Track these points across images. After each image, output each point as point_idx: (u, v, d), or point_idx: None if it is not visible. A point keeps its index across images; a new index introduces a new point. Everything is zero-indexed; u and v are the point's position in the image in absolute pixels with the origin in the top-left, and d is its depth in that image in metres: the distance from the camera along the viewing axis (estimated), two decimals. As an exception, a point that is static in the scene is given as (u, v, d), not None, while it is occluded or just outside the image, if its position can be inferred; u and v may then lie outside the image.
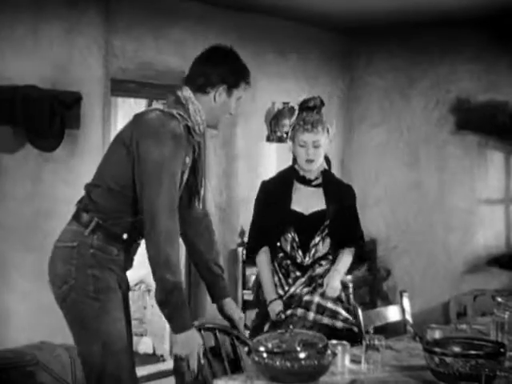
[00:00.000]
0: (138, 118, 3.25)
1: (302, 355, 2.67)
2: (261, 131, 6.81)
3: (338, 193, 4.26)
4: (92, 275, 3.17)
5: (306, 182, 4.24)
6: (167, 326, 3.44)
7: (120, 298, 3.26)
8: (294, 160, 4.30)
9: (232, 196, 6.56)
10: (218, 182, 6.42)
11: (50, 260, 3.30)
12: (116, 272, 3.25)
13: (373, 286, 7.40)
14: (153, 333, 6.85)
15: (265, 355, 2.68)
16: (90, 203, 3.23)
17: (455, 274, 7.08)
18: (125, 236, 3.24)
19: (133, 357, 3.35)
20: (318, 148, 4.15)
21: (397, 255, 7.44)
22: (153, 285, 3.18)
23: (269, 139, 6.85)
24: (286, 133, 6.76)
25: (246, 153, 6.68)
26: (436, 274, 7.18)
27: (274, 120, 6.79)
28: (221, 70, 3.22)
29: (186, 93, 3.24)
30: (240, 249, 6.49)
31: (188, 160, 3.23)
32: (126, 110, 7.13)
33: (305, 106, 4.23)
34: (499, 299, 3.11)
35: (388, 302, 7.31)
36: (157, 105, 3.33)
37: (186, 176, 3.26)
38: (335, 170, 7.59)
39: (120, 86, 5.62)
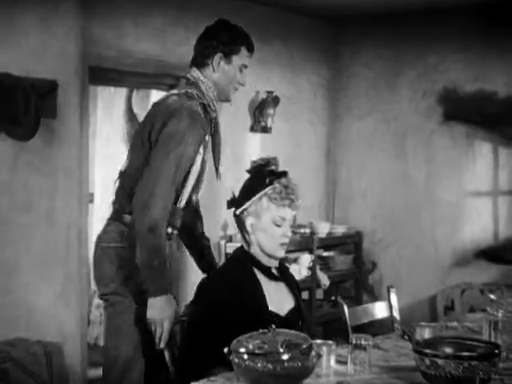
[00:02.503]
0: (156, 105, 3.35)
1: (284, 356, 2.52)
2: (244, 121, 6.69)
3: (296, 284, 3.36)
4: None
5: (266, 272, 3.21)
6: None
7: None
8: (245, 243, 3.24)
9: (215, 187, 6.41)
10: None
11: (96, 260, 3.32)
12: None
13: (358, 279, 7.34)
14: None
15: (245, 356, 2.54)
16: (128, 205, 3.23)
17: (442, 267, 7.01)
18: (169, 230, 3.27)
19: None
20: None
21: (383, 248, 7.37)
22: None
23: (253, 129, 6.74)
24: (267, 127, 6.66)
25: (230, 143, 6.53)
26: (423, 267, 7.10)
27: (257, 110, 6.69)
28: (213, 40, 3.33)
29: (194, 73, 3.36)
30: (223, 242, 6.36)
31: (208, 137, 3.30)
32: (106, 98, 7.00)
33: (269, 171, 3.18)
34: (492, 296, 2.99)
35: (373, 295, 7.26)
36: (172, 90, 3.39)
37: (208, 156, 3.35)
38: (321, 161, 7.58)
39: (98, 75, 5.52)
